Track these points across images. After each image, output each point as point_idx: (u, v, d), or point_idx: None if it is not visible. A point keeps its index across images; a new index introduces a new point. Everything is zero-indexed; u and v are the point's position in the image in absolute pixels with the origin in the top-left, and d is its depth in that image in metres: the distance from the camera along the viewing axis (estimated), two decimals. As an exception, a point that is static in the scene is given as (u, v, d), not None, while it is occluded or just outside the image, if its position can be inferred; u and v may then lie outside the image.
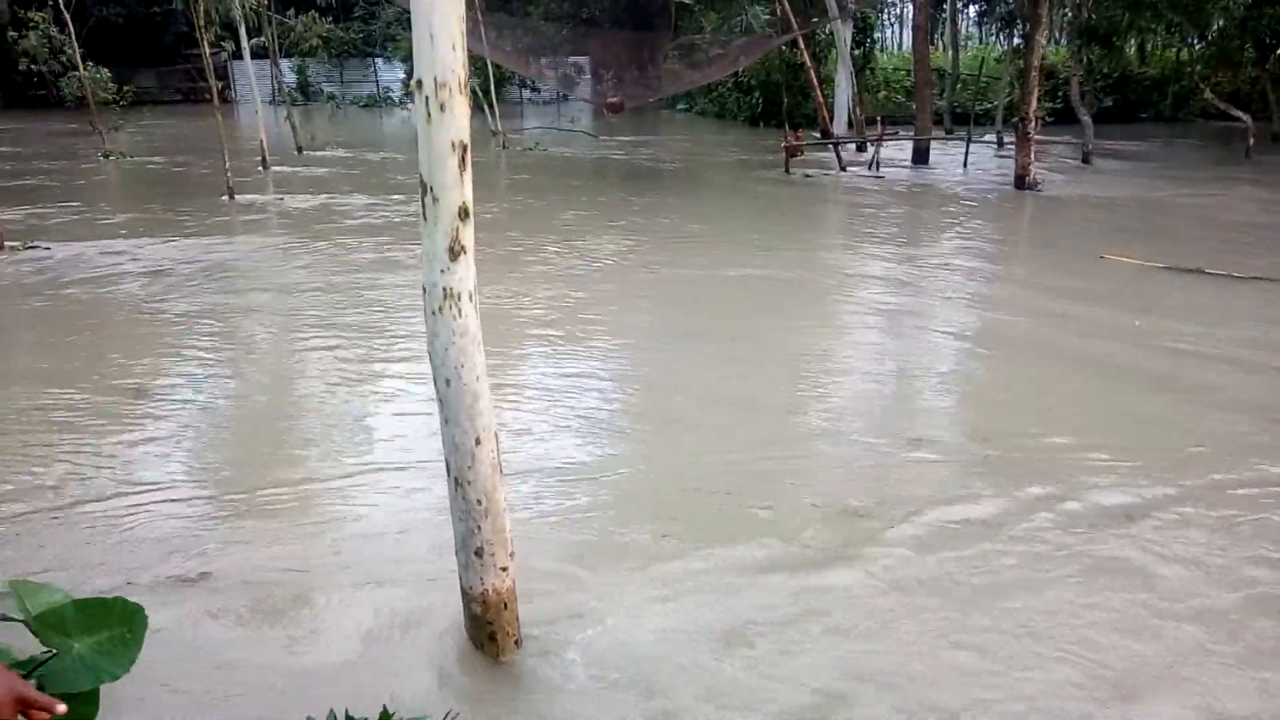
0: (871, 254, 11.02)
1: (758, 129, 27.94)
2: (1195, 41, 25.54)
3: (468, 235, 2.91)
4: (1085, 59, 21.15)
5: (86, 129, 23.15)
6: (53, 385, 6.27)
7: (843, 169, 18.74)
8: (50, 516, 4.47)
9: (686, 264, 10.26)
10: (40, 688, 2.01)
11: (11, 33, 21.60)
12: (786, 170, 18.33)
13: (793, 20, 20.28)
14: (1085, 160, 19.35)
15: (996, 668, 3.34)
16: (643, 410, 6.07)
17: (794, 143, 19.10)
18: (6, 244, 10.79)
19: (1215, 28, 23.51)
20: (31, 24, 21.46)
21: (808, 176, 17.95)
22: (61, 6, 20.41)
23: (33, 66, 21.96)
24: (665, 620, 3.64)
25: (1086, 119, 20.04)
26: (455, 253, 2.90)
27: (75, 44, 21.34)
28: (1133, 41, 30.33)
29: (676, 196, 15.70)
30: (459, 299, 2.94)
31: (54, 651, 2.05)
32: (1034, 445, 5.30)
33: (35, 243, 11.03)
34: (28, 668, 2.05)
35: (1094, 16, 20.09)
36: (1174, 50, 29.29)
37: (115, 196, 16.03)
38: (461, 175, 2.86)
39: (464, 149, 2.86)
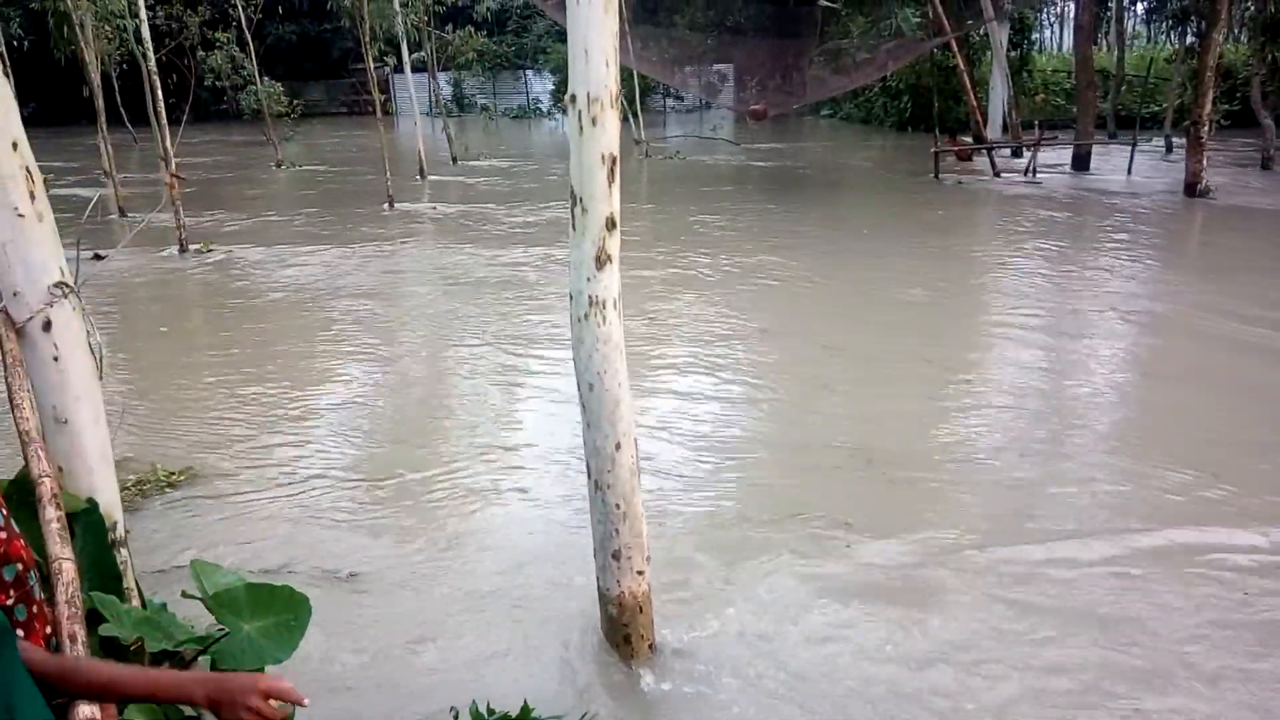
0: (1029, 269, 10.44)
1: (905, 134, 27.27)
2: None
3: (614, 245, 2.99)
4: (1270, 56, 19.60)
5: (261, 140, 24.84)
6: (228, 372, 6.80)
7: (996, 175, 18.05)
8: (223, 501, 4.84)
9: (829, 277, 10.12)
10: (213, 665, 2.19)
11: (200, 52, 23.44)
12: (936, 176, 17.79)
13: (945, 22, 19.67)
14: (1265, 166, 17.96)
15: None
16: (780, 413, 6.05)
17: (952, 147, 18.55)
18: (190, 246, 11.72)
19: None
20: (218, 44, 23.22)
21: (960, 183, 17.36)
22: (244, 26, 21.99)
23: (217, 83, 23.76)
24: (810, 625, 3.62)
25: (1268, 121, 18.55)
26: (601, 262, 2.99)
27: (254, 61, 22.94)
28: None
29: (819, 205, 15.51)
30: (604, 306, 3.02)
31: (227, 630, 2.24)
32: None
33: (213, 246, 11.94)
34: (204, 643, 2.24)
35: (1280, 10, 18.62)
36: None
37: (287, 203, 17.14)
38: (610, 187, 2.95)
39: (613, 161, 2.95)
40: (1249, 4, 19.12)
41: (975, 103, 21.12)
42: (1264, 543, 4.22)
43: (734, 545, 4.31)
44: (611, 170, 2.94)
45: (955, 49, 21.00)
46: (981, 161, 18.88)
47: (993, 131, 22.27)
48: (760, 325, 8.10)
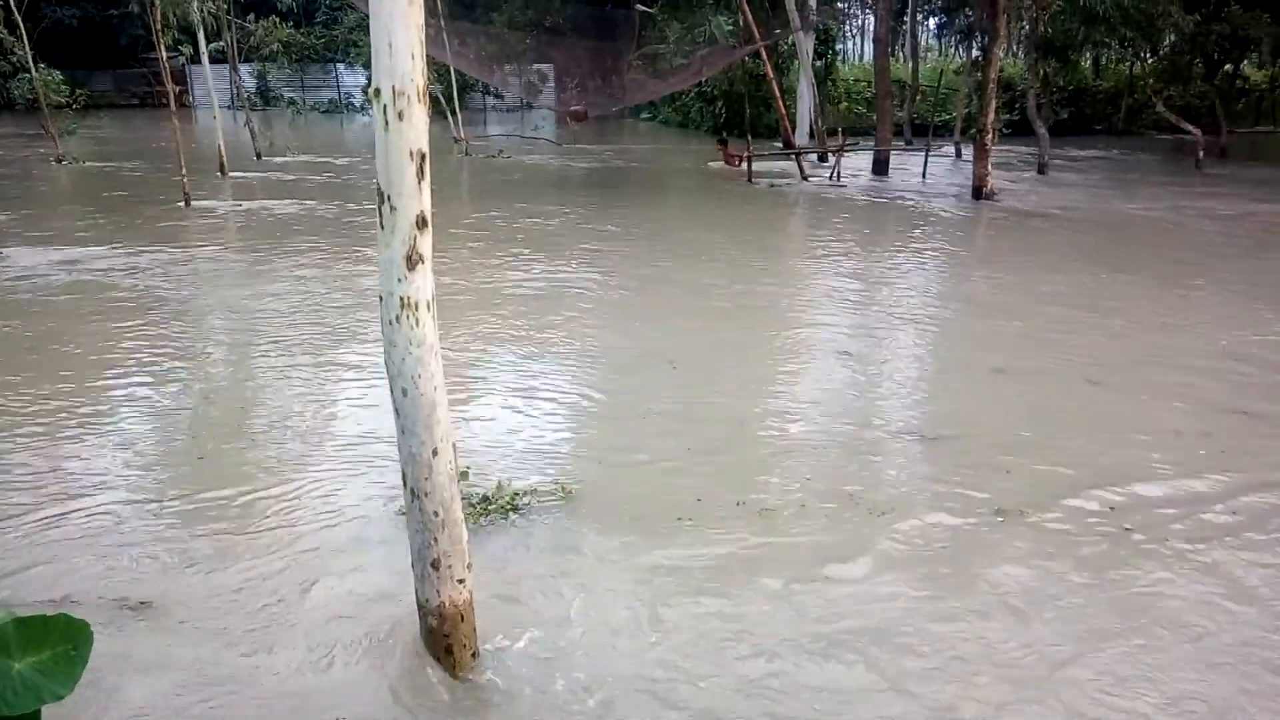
0: (832, 264, 11.11)
1: (715, 140, 28.15)
2: (1148, 56, 26.13)
3: (425, 245, 2.89)
4: (1042, 72, 21.55)
5: (37, 133, 22.70)
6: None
7: (805, 179, 18.90)
8: (-5, 530, 4.37)
9: (647, 274, 10.27)
10: (-23, 710, 1.95)
11: (-40, 34, 21.17)
12: (750, 180, 18.46)
13: (755, 31, 20.45)
14: (1041, 171, 19.71)
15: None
16: (605, 418, 6.07)
17: (731, 154, 19.41)
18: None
19: (1166, 43, 24.12)
20: (-20, 25, 21.05)
21: (773, 186, 18.08)
22: (12, 7, 20.02)
23: (-19, 69, 21.53)
24: (635, 631, 3.63)
25: (1043, 131, 20.41)
26: (413, 262, 2.88)
27: (26, 45, 20.93)
28: (1088, 55, 31.02)
29: (640, 206, 15.74)
30: (416, 308, 2.92)
31: (-7, 672, 1.99)
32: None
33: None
34: (-34, 688, 1.99)
35: (1050, 30, 20.48)
36: (1127, 65, 29.94)
37: (67, 201, 15.73)
38: (420, 184, 2.85)
39: (422, 158, 2.85)
40: (1025, 24, 20.91)
41: (784, 110, 22.02)
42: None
43: (564, 546, 4.28)
44: (421, 167, 2.84)
45: (765, 57, 21.83)
46: (792, 165, 19.70)
47: (801, 137, 23.35)
48: (587, 325, 8.11)
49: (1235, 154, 23.47)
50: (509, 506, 4.58)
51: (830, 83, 30.61)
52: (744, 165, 19.01)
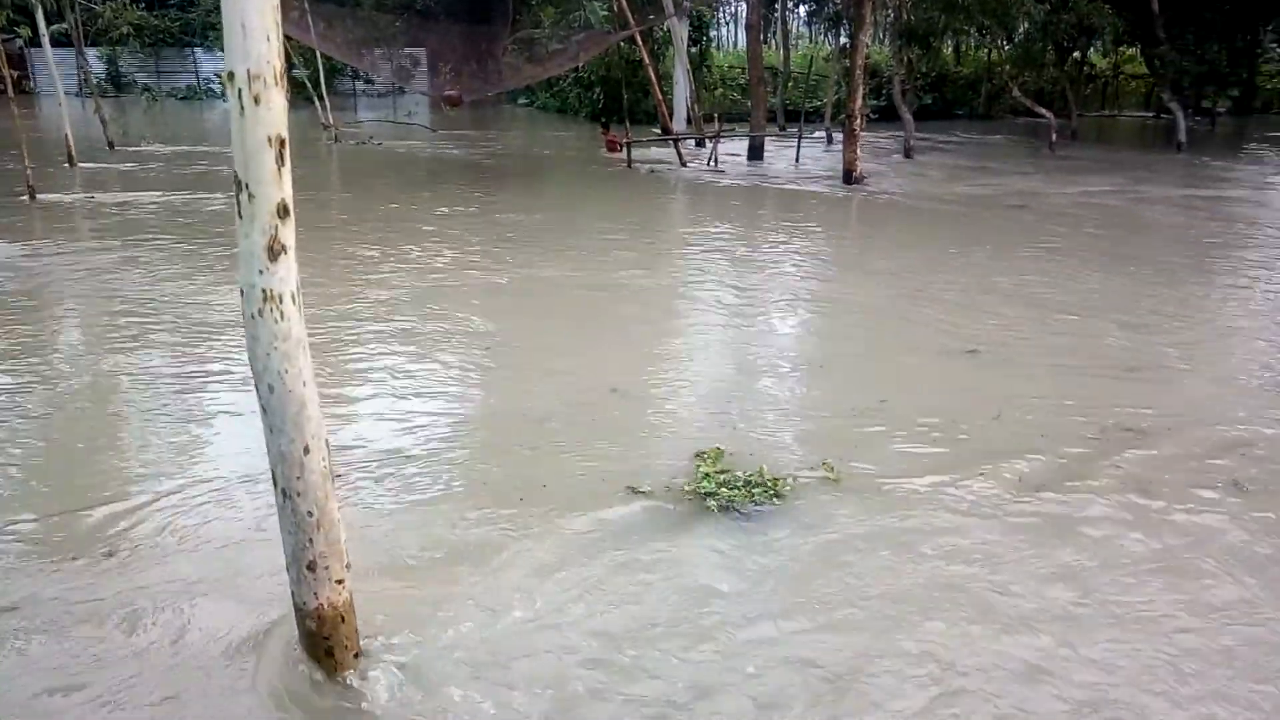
0: (712, 245, 11.27)
1: (598, 125, 28.11)
2: (1003, 44, 27.37)
3: (288, 234, 2.78)
4: (906, 59, 22.33)
5: None
6: None
7: (683, 164, 19.07)
8: None
9: (527, 262, 10.17)
10: None
11: None
12: (629, 165, 18.52)
13: (630, 17, 20.47)
14: (907, 155, 20.43)
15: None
16: (484, 408, 6.00)
17: (612, 140, 19.49)
18: None
19: (1020, 31, 25.32)
20: None
21: (653, 171, 18.18)
22: None
23: None
24: (522, 618, 3.60)
25: (908, 116, 21.17)
26: (275, 252, 2.76)
27: None
28: (948, 42, 32.29)
29: (519, 193, 15.57)
30: (280, 300, 2.80)
31: None
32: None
33: None
34: None
35: (913, 18, 21.23)
36: (985, 51, 31.32)
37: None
38: (280, 171, 2.73)
39: (281, 144, 2.73)
40: (889, 11, 21.61)
41: (661, 96, 22.15)
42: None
43: (445, 540, 4.21)
44: (281, 153, 2.72)
45: (640, 43, 21.90)
46: (670, 152, 19.86)
47: (678, 123, 23.55)
48: (474, 310, 7.98)
49: (1084, 136, 24.91)
50: (773, 491, 4.60)
51: (706, 69, 30.97)
52: (625, 151, 19.05)
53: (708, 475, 4.70)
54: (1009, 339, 7.42)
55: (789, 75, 29.92)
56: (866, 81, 18.05)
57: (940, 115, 29.86)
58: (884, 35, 33.05)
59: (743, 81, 30.17)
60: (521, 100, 35.53)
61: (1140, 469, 4.97)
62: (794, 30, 46.18)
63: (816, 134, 24.19)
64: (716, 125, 20.55)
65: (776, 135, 23.30)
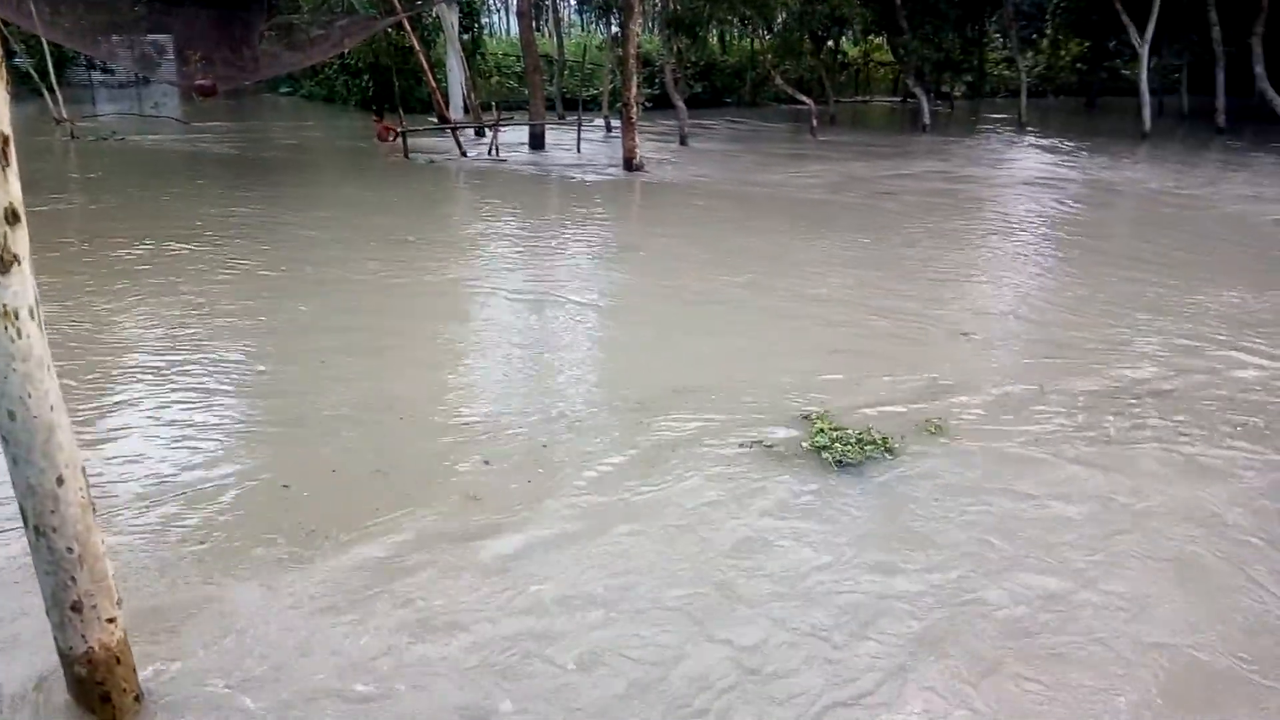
0: (507, 236, 11.17)
1: (370, 114, 27.07)
2: (764, 33, 28.69)
3: (19, 242, 2.48)
4: (675, 48, 22.95)
5: None
6: None
7: (463, 154, 18.72)
8: None
9: (297, 262, 9.67)
10: None
11: None
12: (406, 155, 17.98)
13: (396, 3, 19.79)
14: (683, 142, 21.04)
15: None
16: (258, 416, 5.65)
17: (385, 128, 18.95)
18: None
19: (779, 21, 26.64)
20: None
21: (432, 162, 17.74)
22: None
23: None
24: (319, 643, 3.42)
25: (680, 104, 21.78)
26: (5, 263, 2.46)
27: None
28: (714, 32, 33.45)
29: (290, 188, 14.72)
30: (16, 317, 2.50)
31: None
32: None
33: None
34: None
35: (679, 8, 21.82)
36: (749, 41, 32.68)
37: None
38: (4, 172, 2.43)
39: (5, 141, 2.43)
40: (657, 1, 22.08)
41: (435, 84, 21.62)
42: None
43: (222, 568, 3.94)
44: (4, 151, 2.42)
45: (409, 29, 21.27)
46: (450, 141, 19.44)
47: (455, 112, 23.08)
48: (247, 318, 7.48)
49: (842, 121, 26.60)
50: (885, 447, 5.08)
51: (479, 56, 30.45)
52: (399, 140, 18.46)
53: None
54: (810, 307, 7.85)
55: (564, 63, 30.00)
56: (640, 70, 18.40)
57: (711, 103, 30.93)
58: (653, 24, 33.89)
59: (518, 69, 29.95)
60: (284, 89, 33.56)
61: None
62: (566, 18, 46.39)
63: (595, 122, 24.42)
64: (495, 114, 20.31)
65: (556, 124, 23.31)
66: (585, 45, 32.49)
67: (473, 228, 12.02)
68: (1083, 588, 3.86)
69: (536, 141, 20.49)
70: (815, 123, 22.94)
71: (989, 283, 9.27)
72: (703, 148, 20.79)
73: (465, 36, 27.39)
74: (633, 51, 16.89)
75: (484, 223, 12.28)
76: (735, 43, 35.97)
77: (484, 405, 5.84)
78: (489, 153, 18.90)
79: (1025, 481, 4.79)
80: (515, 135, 21.18)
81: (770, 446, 5.14)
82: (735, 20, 26.46)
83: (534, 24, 23.90)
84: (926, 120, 24.15)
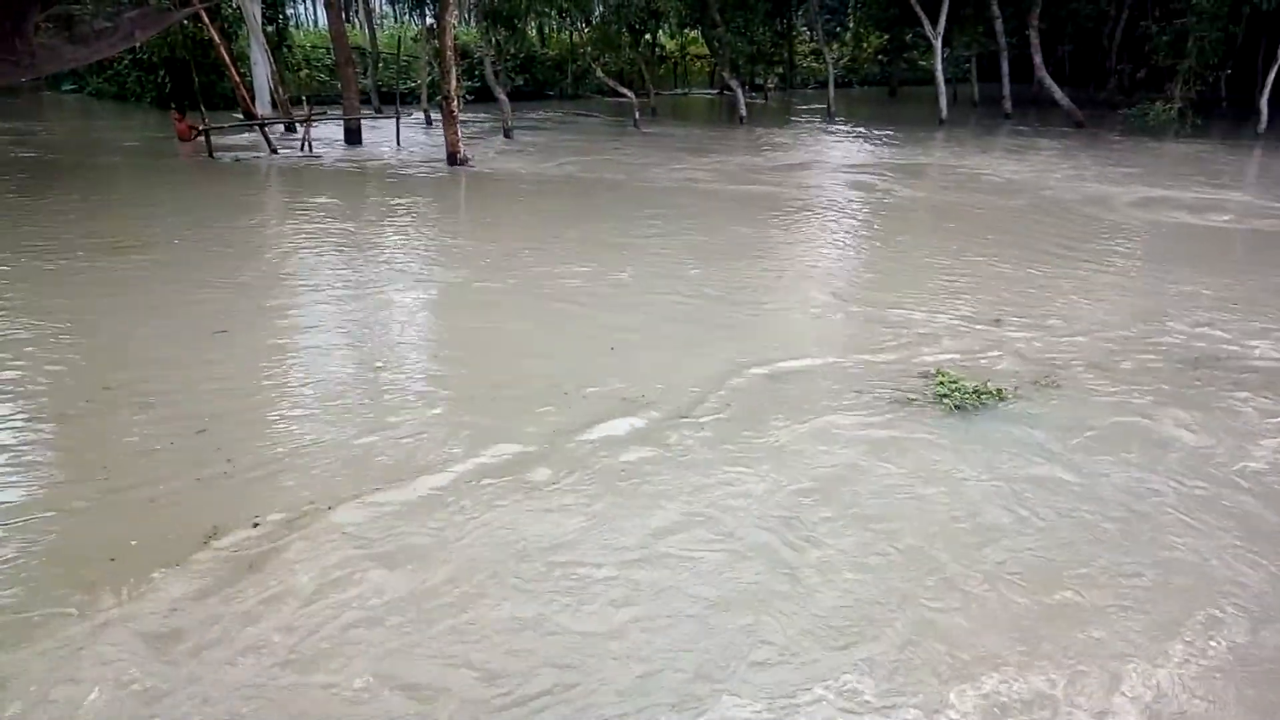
0: (327, 239, 10.62)
1: (168, 111, 25.28)
2: (583, 26, 28.69)
3: None
4: (494, 40, 22.56)
5: None
6: None
7: (274, 151, 17.78)
8: None
9: (104, 271, 8.92)
10: None
11: None
12: (210, 155, 16.89)
13: (191, -8, 18.51)
14: (507, 135, 20.78)
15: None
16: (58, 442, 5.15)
17: (187, 126, 17.90)
18: None
19: (597, 14, 26.72)
20: None
21: (239, 160, 16.75)
22: None
23: None
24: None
25: (503, 97, 21.48)
26: None
27: None
28: (533, 24, 33.19)
29: (81, 194, 13.47)
30: None
31: None
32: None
33: None
34: None
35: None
36: (568, 33, 32.61)
37: None
38: None
39: None
40: (473, -8, 21.64)
41: (239, 78, 20.43)
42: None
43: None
44: None
45: (207, 21, 19.99)
46: (259, 138, 18.41)
47: (262, 107, 21.90)
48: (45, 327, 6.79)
49: (663, 113, 27.02)
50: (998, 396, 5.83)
51: (286, 49, 28.96)
52: (204, 139, 17.31)
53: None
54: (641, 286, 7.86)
55: (378, 56, 29.01)
56: (459, 63, 18.00)
57: (533, 96, 30.72)
58: (470, 16, 33.27)
59: (329, 62, 28.71)
60: (67, 86, 30.83)
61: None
62: (378, 9, 44.75)
63: (415, 116, 23.75)
64: (306, 109, 19.39)
65: (373, 118, 22.50)
66: (400, 37, 31.55)
67: (286, 228, 11.38)
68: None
69: (353, 136, 19.71)
70: (638, 115, 23.16)
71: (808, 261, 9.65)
72: (528, 141, 20.60)
73: (270, 28, 25.99)
74: (449, 43, 16.49)
75: (301, 223, 11.62)
76: (555, 35, 35.85)
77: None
78: (302, 148, 18.03)
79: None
80: (330, 131, 20.32)
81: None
82: (553, 12, 26.35)
83: (344, 15, 22.94)
84: (743, 111, 24.88)
